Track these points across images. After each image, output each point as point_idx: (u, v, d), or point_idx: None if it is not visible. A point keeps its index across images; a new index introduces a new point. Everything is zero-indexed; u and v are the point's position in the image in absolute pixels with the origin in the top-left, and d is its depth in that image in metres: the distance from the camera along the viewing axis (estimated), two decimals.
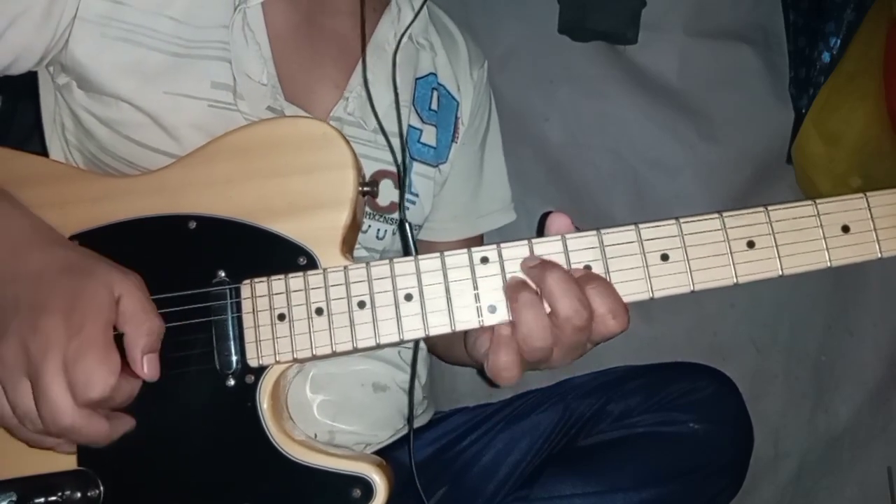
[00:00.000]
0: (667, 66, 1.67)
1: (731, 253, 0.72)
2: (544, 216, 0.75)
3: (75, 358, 0.67)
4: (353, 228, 0.82)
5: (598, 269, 0.73)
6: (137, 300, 0.72)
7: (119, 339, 0.71)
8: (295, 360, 0.77)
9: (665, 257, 0.72)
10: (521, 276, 0.73)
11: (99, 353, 0.68)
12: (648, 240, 0.73)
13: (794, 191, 1.64)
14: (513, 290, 0.72)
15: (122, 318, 0.71)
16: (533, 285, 0.72)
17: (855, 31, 1.54)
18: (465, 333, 0.76)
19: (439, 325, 0.74)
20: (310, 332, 0.75)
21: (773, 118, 1.65)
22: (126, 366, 0.71)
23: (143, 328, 0.71)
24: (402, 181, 0.97)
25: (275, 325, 0.76)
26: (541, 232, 0.75)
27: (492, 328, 0.73)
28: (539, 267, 0.71)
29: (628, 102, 1.66)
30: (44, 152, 0.97)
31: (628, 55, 1.67)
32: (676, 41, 1.66)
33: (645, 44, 1.64)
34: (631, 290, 0.72)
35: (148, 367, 0.71)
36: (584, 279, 0.71)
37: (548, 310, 0.70)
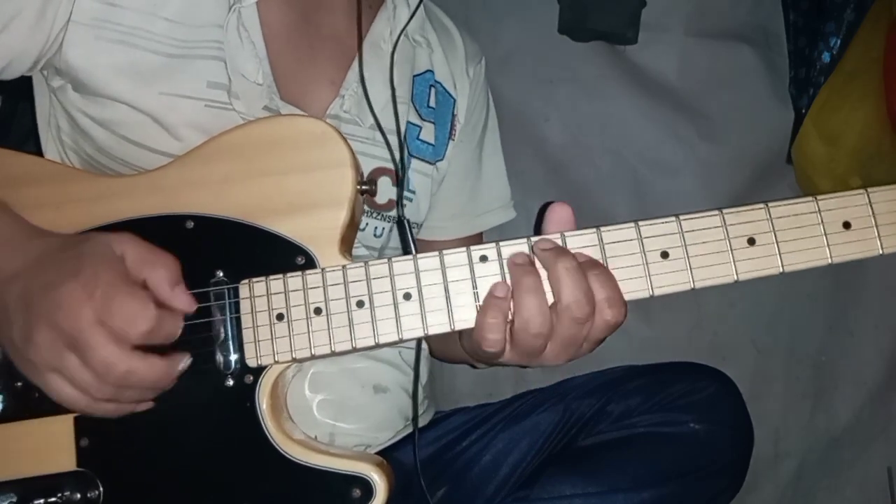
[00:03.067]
0: (667, 66, 1.66)
1: (731, 250, 0.72)
2: (544, 207, 0.75)
3: (105, 306, 0.68)
4: (352, 227, 0.82)
5: None
6: (140, 247, 0.73)
7: None
8: (294, 360, 0.76)
9: (665, 255, 0.72)
10: (525, 252, 0.73)
11: (125, 291, 0.69)
12: (648, 237, 0.73)
13: (794, 191, 1.63)
14: (517, 271, 0.72)
15: (135, 267, 0.72)
16: (538, 265, 0.72)
17: (855, 31, 1.53)
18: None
19: (438, 325, 0.74)
20: (308, 332, 0.75)
21: (773, 118, 1.65)
22: (160, 305, 0.72)
23: (159, 265, 0.73)
24: (400, 179, 0.97)
25: (273, 326, 0.76)
26: (540, 223, 0.75)
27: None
28: (553, 251, 0.71)
29: (628, 102, 1.66)
30: (40, 154, 0.96)
31: (628, 55, 1.66)
32: (676, 41, 1.66)
33: (645, 44, 1.64)
34: (631, 287, 0.72)
35: (181, 299, 0.73)
36: (587, 265, 0.71)
37: (550, 298, 0.70)
